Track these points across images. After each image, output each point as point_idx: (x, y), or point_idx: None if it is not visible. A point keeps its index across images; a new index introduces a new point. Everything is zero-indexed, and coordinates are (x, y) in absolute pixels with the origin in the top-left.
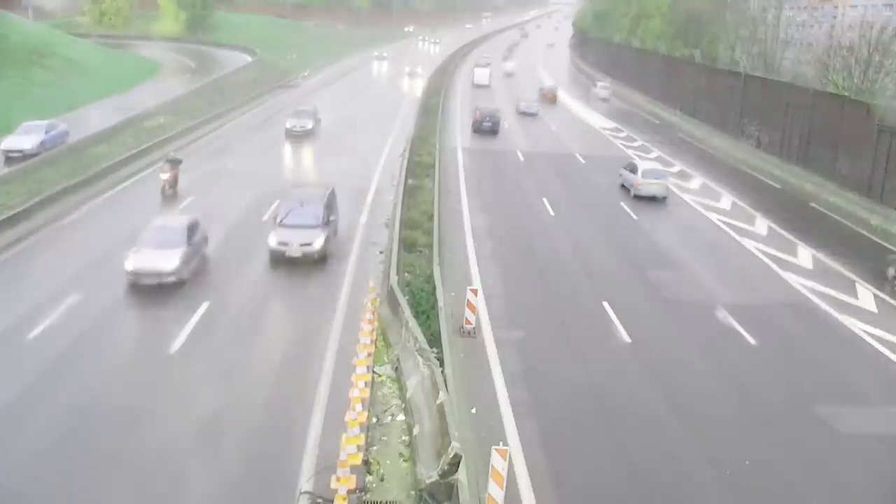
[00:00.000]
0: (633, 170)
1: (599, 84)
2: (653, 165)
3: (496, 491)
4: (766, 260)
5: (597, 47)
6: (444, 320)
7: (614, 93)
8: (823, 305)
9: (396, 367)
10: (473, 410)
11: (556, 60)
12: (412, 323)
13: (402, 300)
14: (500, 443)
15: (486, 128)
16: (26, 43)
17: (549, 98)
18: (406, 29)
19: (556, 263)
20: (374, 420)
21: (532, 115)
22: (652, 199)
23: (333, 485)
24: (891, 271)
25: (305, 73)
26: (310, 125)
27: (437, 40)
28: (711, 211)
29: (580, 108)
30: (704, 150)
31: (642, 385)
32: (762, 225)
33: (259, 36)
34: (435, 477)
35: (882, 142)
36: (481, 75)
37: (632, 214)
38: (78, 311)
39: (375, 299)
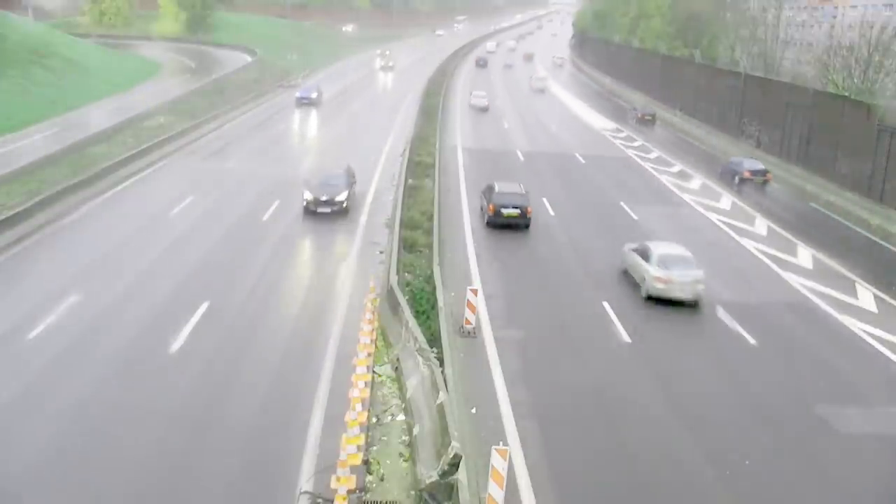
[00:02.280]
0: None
1: (556, 56)
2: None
3: (496, 491)
4: (766, 260)
5: (596, 47)
6: (444, 320)
7: (568, 61)
8: (823, 305)
9: (396, 367)
10: (473, 410)
11: (555, 46)
12: (412, 323)
13: (402, 300)
14: (500, 443)
15: (480, 63)
16: (26, 43)
17: (527, 57)
18: (344, 28)
19: (556, 263)
20: (374, 420)
21: (510, 66)
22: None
23: (333, 485)
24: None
25: (306, 72)
26: None
27: (391, 63)
28: (711, 211)
29: (543, 70)
30: (704, 150)
31: (642, 385)
32: (762, 225)
33: (259, 36)
34: (435, 477)
35: (882, 142)
36: (491, 46)
37: (632, 214)
38: (79, 310)
39: (375, 299)
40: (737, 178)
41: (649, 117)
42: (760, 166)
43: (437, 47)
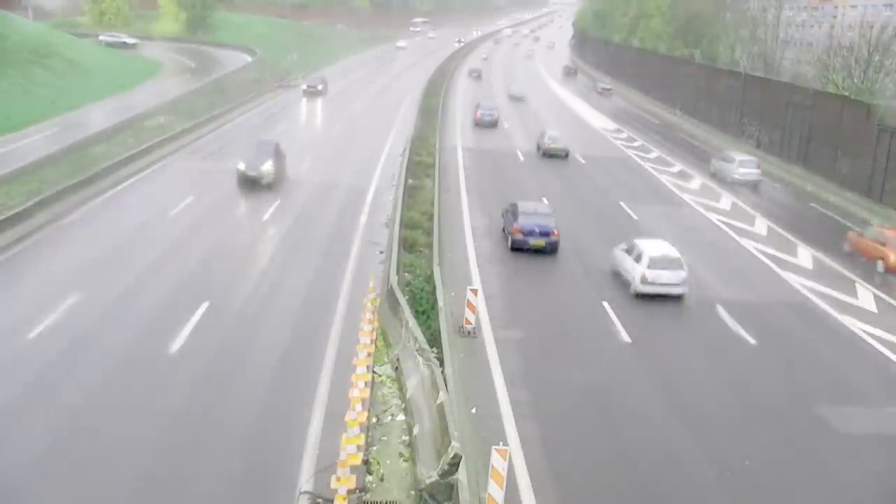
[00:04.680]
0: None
1: (549, 41)
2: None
3: (496, 491)
4: (766, 260)
5: (596, 47)
6: (444, 320)
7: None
8: (823, 305)
9: (396, 367)
10: (473, 410)
11: (558, 35)
12: (412, 323)
13: (402, 300)
14: (500, 443)
15: (496, 40)
16: (26, 43)
17: (535, 39)
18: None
19: (556, 263)
20: (374, 420)
21: (518, 44)
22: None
23: (333, 485)
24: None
25: (306, 72)
26: None
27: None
28: (711, 211)
29: (534, 45)
30: (705, 151)
31: (642, 385)
32: (762, 225)
33: (259, 36)
34: (435, 477)
35: (882, 142)
36: (507, 32)
37: (632, 214)
38: (79, 310)
39: (375, 299)
40: (594, 93)
41: (572, 71)
42: (609, 86)
43: (401, 66)
